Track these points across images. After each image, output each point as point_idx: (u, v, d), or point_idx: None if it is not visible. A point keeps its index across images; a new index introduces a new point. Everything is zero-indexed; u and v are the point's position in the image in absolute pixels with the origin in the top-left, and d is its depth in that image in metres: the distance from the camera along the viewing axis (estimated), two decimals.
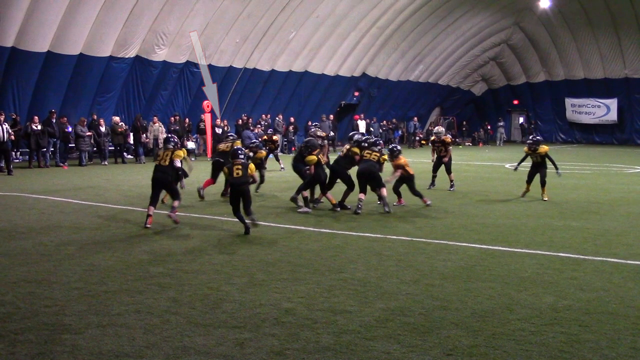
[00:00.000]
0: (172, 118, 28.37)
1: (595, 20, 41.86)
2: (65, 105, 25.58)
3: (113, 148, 26.76)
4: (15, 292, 6.88)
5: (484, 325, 5.90)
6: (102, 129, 25.58)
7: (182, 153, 11.55)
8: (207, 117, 28.84)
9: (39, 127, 22.92)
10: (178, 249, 9.19)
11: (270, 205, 13.79)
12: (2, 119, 21.22)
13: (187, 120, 29.51)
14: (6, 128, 21.10)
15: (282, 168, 21.79)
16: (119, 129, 26.20)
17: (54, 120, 23.68)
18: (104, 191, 16.28)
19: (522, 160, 16.21)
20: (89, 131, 24.83)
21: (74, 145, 25.10)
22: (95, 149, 25.95)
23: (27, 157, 24.03)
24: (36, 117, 23.10)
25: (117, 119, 26.55)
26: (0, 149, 20.84)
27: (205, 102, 28.84)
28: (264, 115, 33.31)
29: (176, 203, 11.30)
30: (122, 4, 24.64)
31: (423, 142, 41.50)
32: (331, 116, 36.93)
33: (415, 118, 43.11)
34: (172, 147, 11.54)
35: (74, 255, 8.71)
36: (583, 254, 8.94)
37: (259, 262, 8.38)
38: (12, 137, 21.54)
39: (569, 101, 45.80)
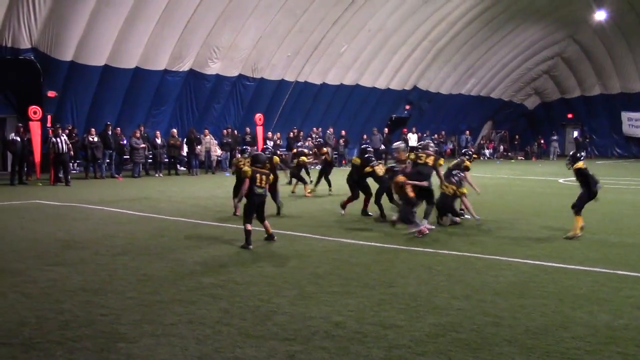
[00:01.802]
0: (225, 130, 28.73)
1: None
2: (121, 117, 26.20)
3: (168, 160, 27.25)
4: (73, 301, 7.04)
5: (537, 343, 5.80)
6: (158, 141, 26.07)
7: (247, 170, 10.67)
8: (258, 130, 29.07)
9: (96, 139, 23.50)
10: (229, 260, 9.28)
11: (321, 219, 13.81)
12: (60, 131, 21.88)
13: (248, 130, 29.82)
14: (64, 140, 21.70)
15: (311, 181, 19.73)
16: (175, 142, 26.68)
17: (110, 132, 24.25)
18: (157, 202, 16.57)
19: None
20: (143, 143, 25.32)
21: (128, 157, 25.63)
22: (150, 160, 26.46)
23: (83, 168, 24.66)
24: (93, 129, 23.68)
25: (174, 131, 27.06)
26: (59, 160, 21.43)
27: (257, 115, 29.12)
28: (315, 129, 33.45)
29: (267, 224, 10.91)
30: (177, 18, 25.14)
31: (475, 155, 41.11)
32: (386, 129, 36.91)
33: (468, 132, 42.72)
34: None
35: (129, 265, 8.87)
36: None
37: (309, 274, 8.40)
38: (71, 150, 22.14)
39: (625, 115, 44.71)
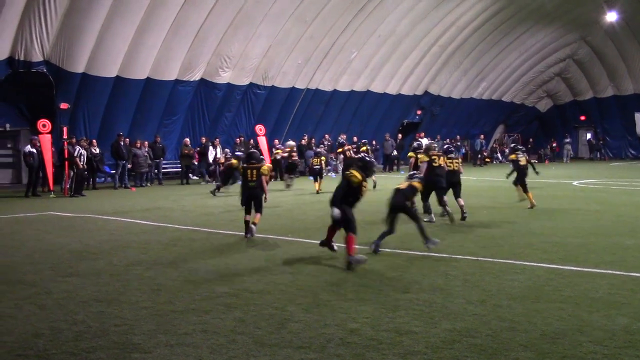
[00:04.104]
0: (238, 139, 28.80)
1: None
2: (133, 128, 26.32)
3: (180, 169, 27.38)
4: (86, 312, 7.05)
5: (554, 348, 5.74)
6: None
7: (266, 168, 12.38)
8: (261, 140, 28.99)
9: (97, 150, 23.66)
10: (243, 268, 9.27)
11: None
12: (82, 143, 22.21)
13: (251, 141, 29.89)
14: (81, 152, 21.99)
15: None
16: (188, 151, 26.79)
17: (122, 143, 24.35)
18: (170, 212, 16.61)
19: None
20: (145, 152, 25.40)
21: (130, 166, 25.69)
22: (156, 170, 26.60)
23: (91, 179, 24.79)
24: (94, 141, 23.80)
25: (187, 140, 27.18)
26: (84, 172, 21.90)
27: (257, 126, 29.08)
28: (326, 135, 33.46)
29: (258, 216, 12.04)
30: (187, 28, 25.25)
31: (487, 159, 41.04)
32: (399, 135, 36.87)
33: (482, 136, 42.59)
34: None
35: (142, 275, 8.88)
36: None
37: (323, 282, 8.37)
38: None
39: (638, 116, 44.47)
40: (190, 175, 27.72)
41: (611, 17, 38.85)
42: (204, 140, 27.65)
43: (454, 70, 39.49)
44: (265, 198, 12.24)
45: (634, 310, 6.86)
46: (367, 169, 9.87)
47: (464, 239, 11.73)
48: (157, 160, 26.57)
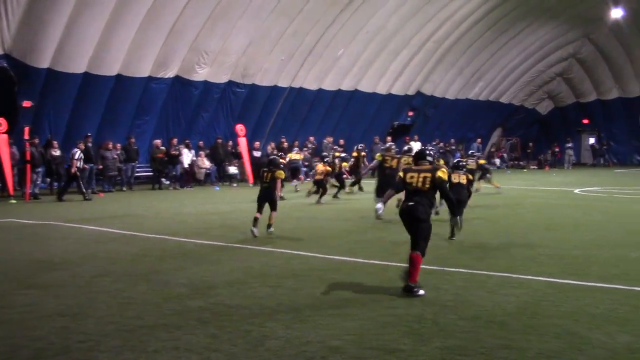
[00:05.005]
0: (217, 140, 28.83)
1: None
2: (103, 129, 26.15)
3: (152, 173, 27.27)
4: (48, 327, 7.02)
5: None
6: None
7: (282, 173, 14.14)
8: (242, 141, 28.99)
9: (58, 153, 23.57)
10: (219, 281, 9.26)
11: (317, 235, 13.81)
12: (80, 146, 22.64)
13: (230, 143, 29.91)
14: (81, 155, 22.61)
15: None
16: (159, 154, 26.70)
17: (90, 145, 24.24)
18: (141, 219, 16.57)
19: None
20: (115, 155, 25.33)
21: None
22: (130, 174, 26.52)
23: (48, 185, 24.66)
24: (55, 142, 23.68)
25: (158, 142, 27.04)
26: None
27: (238, 126, 29.08)
28: (311, 138, 33.41)
29: (273, 214, 13.74)
30: (162, 21, 25.17)
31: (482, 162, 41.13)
32: (388, 138, 36.76)
33: (479, 139, 42.73)
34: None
35: (110, 288, 8.85)
36: None
37: (306, 295, 8.38)
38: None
39: None
40: (162, 180, 27.60)
41: (617, 13, 39.05)
42: (175, 142, 27.57)
43: (449, 69, 39.59)
44: (278, 197, 14.33)
45: (637, 327, 6.92)
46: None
47: (457, 251, 11.78)
48: (133, 164, 26.47)
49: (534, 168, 44.65)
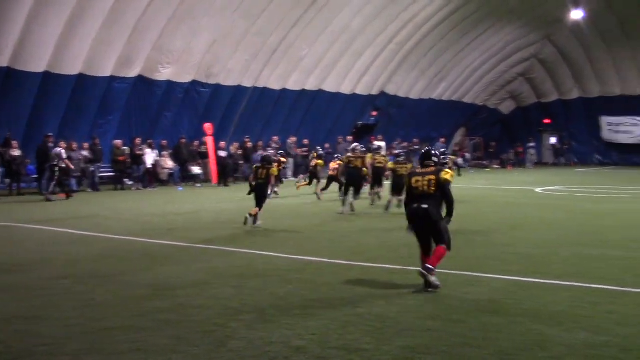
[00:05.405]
0: (181, 140, 28.67)
1: (632, 32, 41.53)
2: (64, 129, 25.78)
3: (113, 174, 27.00)
4: (7, 331, 6.92)
5: None
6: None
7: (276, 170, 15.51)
8: (209, 140, 28.89)
9: (18, 153, 23.22)
10: (182, 282, 9.21)
11: (282, 235, 13.81)
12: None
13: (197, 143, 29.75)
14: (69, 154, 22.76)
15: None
16: (120, 157, 26.44)
17: (52, 145, 23.91)
18: (103, 220, 16.41)
19: None
20: (80, 155, 25.07)
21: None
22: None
23: (7, 185, 24.23)
24: (15, 142, 23.32)
25: (119, 142, 26.78)
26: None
27: (206, 125, 28.97)
28: (275, 138, 33.34)
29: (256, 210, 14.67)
30: (124, 20, 24.92)
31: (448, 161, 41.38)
32: (349, 138, 36.81)
33: (442, 139, 42.99)
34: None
35: (72, 290, 8.76)
36: (622, 285, 8.85)
37: (269, 295, 8.39)
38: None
39: (604, 119, 45.35)
40: (125, 180, 27.34)
41: (577, 14, 39.57)
42: (139, 141, 27.35)
43: (412, 70, 39.81)
44: (271, 191, 15.69)
45: (595, 324, 7.04)
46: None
47: (416, 250, 11.84)
48: (98, 164, 26.19)
49: (496, 167, 45.10)
